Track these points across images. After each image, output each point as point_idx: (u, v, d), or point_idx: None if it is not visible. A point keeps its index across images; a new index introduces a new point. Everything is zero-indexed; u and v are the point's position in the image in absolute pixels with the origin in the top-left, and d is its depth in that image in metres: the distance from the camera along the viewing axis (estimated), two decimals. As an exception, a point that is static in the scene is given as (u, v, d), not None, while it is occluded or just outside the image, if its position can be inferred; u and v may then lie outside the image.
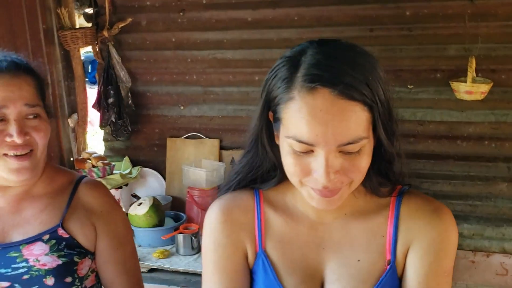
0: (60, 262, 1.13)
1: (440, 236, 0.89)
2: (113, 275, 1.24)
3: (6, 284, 1.12)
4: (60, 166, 1.32)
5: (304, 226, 0.93)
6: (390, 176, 0.91)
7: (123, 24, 2.53)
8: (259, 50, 2.44)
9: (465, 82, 2.08)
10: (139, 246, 2.19)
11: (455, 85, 2.12)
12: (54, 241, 1.14)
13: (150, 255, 2.09)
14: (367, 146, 0.80)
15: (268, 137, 0.89)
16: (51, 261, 1.13)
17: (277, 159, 0.88)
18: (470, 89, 2.07)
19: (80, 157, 2.53)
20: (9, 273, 1.12)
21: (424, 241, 0.89)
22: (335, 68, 0.77)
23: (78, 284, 1.16)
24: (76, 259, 1.16)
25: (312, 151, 0.79)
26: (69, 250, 1.15)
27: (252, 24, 2.43)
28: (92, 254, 1.21)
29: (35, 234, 1.15)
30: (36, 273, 1.13)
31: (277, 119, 0.83)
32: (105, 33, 2.54)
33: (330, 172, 0.78)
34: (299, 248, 0.92)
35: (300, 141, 0.78)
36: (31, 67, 1.12)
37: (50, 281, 1.12)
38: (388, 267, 0.89)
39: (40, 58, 2.44)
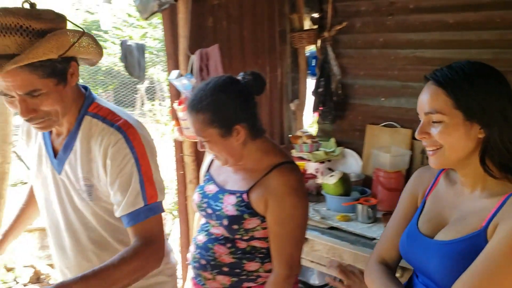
0: (235, 213, 1.60)
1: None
2: (271, 242, 1.62)
3: (203, 213, 1.71)
4: (275, 150, 1.67)
5: (454, 192, 1.34)
6: None
7: (339, 27, 3.01)
8: (458, 50, 2.61)
9: None
10: (328, 209, 2.67)
11: None
12: (240, 199, 1.61)
13: (334, 217, 2.54)
14: (450, 125, 1.19)
15: None
16: (231, 210, 1.61)
17: None
18: None
19: (295, 134, 3.13)
20: (212, 206, 1.67)
21: (507, 224, 1.14)
22: (446, 74, 1.22)
23: (243, 232, 1.60)
24: (245, 216, 1.59)
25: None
26: (246, 208, 1.59)
27: (453, 26, 2.62)
28: (264, 218, 1.60)
29: (233, 189, 1.65)
30: (221, 213, 1.63)
31: None
32: (326, 34, 3.07)
33: (422, 131, 1.23)
34: (443, 203, 1.35)
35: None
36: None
37: (225, 222, 1.61)
38: (479, 229, 1.20)
39: (273, 54, 3.13)
